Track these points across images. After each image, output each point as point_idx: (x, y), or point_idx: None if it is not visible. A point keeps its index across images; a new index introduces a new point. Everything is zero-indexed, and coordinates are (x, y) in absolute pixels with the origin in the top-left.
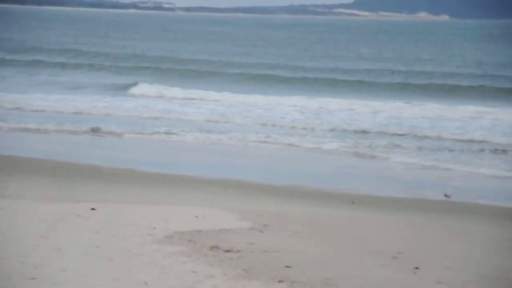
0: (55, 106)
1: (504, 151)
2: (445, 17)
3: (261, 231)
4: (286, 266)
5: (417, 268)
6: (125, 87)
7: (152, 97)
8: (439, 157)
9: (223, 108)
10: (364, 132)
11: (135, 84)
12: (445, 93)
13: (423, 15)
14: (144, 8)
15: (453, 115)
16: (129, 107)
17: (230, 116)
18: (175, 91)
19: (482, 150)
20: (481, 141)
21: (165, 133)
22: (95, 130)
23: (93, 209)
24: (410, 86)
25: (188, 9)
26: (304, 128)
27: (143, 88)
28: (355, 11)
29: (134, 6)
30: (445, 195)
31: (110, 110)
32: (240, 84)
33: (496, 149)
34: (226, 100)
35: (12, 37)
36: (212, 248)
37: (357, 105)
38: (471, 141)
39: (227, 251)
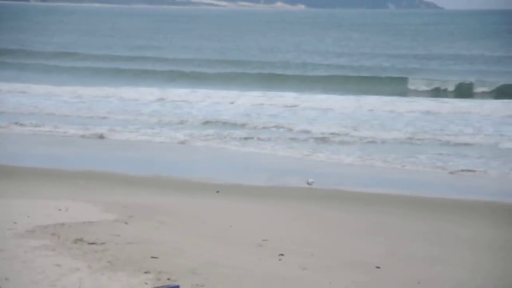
0: None
1: (354, 142)
2: (301, 7)
3: (126, 223)
4: (152, 257)
5: (282, 254)
6: None
7: None
8: (298, 146)
9: (65, 101)
10: (224, 123)
11: None
12: (300, 83)
13: (280, 5)
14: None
15: (308, 105)
16: None
17: (74, 108)
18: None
19: (342, 141)
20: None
21: (13, 125)
22: None
23: None
24: (268, 76)
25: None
26: (163, 120)
27: None
28: (214, 1)
29: None
30: (307, 183)
31: None
32: (89, 76)
33: (350, 140)
34: (64, 92)
35: None
36: (76, 241)
37: (215, 96)
38: (329, 132)
39: (92, 243)
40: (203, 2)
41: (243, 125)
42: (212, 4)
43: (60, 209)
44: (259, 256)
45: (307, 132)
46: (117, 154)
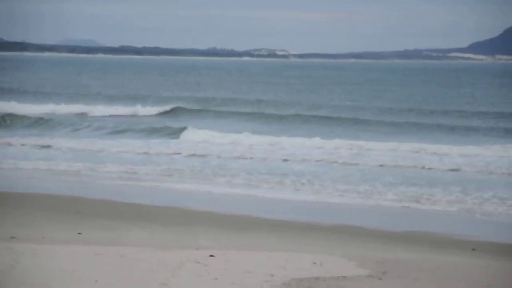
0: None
1: None
2: None
3: (380, 279)
4: None
5: None
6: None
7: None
8: None
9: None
10: None
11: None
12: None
13: None
14: (258, 55)
15: None
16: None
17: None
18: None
19: None
20: None
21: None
22: None
23: (211, 255)
24: None
25: (301, 56)
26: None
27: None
28: (471, 55)
29: (248, 54)
30: None
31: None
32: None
33: None
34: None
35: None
36: None
37: None
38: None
39: None
40: (460, 56)
41: None
42: (469, 58)
43: (315, 263)
44: None
45: None
46: (371, 208)
